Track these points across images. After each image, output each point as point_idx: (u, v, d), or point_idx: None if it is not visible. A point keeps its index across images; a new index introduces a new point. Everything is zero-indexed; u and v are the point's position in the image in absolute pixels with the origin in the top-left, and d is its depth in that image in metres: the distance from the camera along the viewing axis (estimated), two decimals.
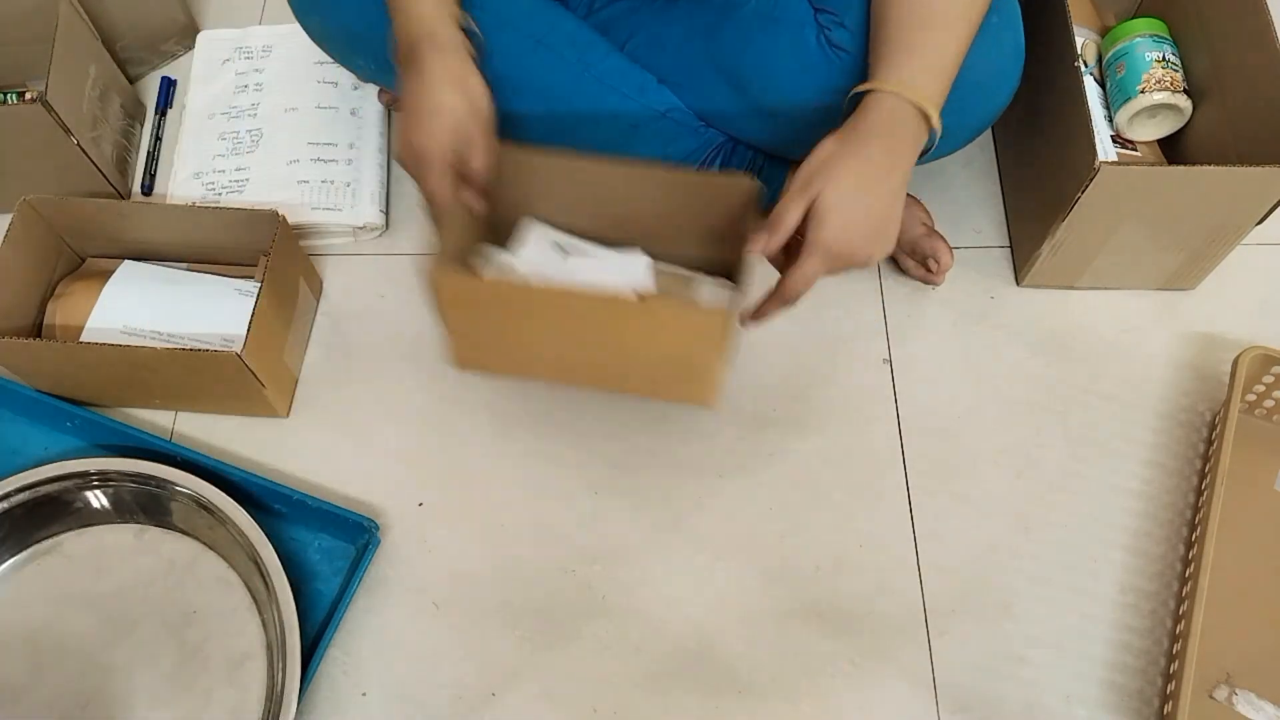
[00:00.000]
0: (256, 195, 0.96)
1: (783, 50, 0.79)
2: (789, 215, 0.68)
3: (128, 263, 0.91)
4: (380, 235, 0.98)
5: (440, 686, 0.78)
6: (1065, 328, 0.92)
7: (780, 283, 0.69)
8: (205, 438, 0.88)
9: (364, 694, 0.78)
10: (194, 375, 0.81)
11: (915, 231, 0.90)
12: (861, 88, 0.69)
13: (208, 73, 1.05)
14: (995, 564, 0.82)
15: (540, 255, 0.82)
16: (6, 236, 0.84)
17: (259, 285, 0.82)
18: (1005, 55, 0.77)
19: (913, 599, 0.81)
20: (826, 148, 0.68)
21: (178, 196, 0.98)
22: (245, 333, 0.79)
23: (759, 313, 0.72)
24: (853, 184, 0.66)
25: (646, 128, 0.85)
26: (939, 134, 0.69)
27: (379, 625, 0.80)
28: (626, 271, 0.82)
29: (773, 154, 0.92)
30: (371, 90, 1.03)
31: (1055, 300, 0.93)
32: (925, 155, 0.83)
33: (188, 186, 0.98)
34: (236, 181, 0.97)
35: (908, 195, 0.92)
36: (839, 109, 0.77)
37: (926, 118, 0.67)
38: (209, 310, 0.88)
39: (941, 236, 0.90)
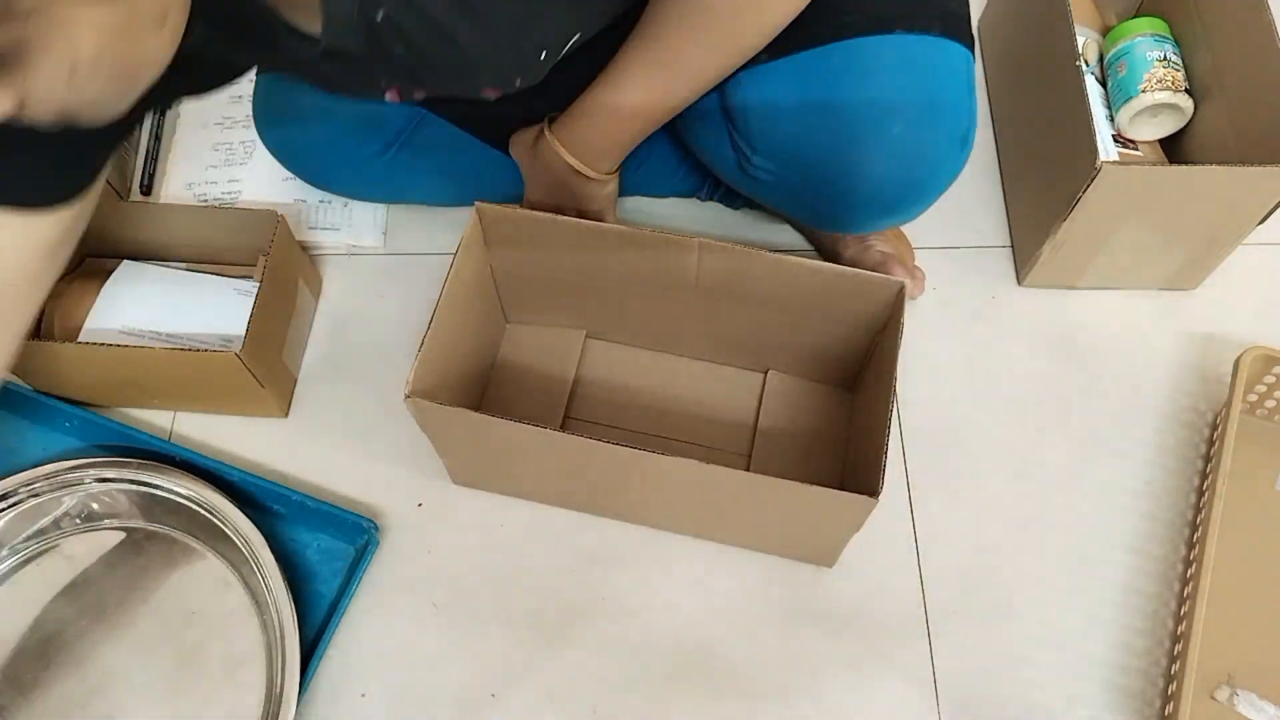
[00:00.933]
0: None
1: (715, 157, 0.81)
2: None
3: (126, 262, 0.91)
4: (376, 250, 0.98)
5: (440, 687, 0.78)
6: (1066, 327, 0.92)
7: None
8: (204, 438, 0.87)
9: (363, 695, 0.78)
10: (192, 375, 0.81)
11: (871, 259, 0.89)
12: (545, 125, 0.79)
13: None
14: (996, 564, 0.82)
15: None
16: None
17: (258, 285, 0.82)
18: (918, 168, 0.73)
19: (913, 599, 0.81)
20: None
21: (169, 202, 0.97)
22: (244, 333, 0.79)
23: None
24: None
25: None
26: (610, 186, 0.81)
27: (378, 626, 0.80)
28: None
29: None
30: None
31: (1056, 300, 0.93)
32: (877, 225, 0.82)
33: (180, 197, 0.98)
34: (228, 194, 0.97)
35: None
36: (781, 203, 0.84)
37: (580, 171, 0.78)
38: (208, 310, 0.87)
39: (900, 262, 0.89)
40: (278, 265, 0.84)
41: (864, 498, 0.65)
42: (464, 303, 0.78)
